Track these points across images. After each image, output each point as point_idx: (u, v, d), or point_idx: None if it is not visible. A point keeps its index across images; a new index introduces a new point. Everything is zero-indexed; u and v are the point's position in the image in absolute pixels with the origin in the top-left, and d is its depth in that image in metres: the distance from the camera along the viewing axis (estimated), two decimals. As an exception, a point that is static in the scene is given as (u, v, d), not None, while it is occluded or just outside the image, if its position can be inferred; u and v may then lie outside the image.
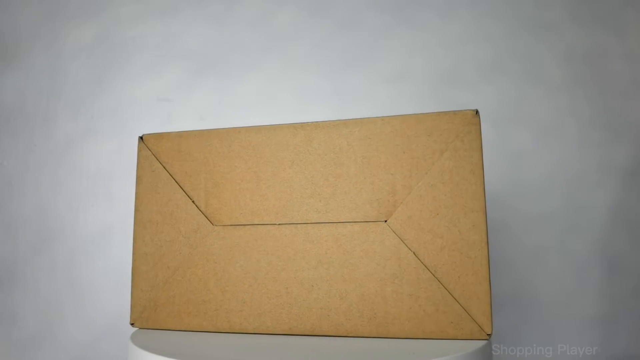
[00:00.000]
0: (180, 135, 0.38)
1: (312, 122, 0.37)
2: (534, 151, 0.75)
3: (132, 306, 0.38)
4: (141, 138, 0.39)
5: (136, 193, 0.39)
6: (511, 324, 0.70)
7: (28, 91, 0.64)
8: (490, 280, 0.34)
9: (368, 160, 0.35)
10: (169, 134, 0.38)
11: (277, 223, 0.36)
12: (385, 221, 0.35)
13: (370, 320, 0.35)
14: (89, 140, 0.64)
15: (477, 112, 0.34)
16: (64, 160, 0.63)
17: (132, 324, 0.38)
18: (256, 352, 0.33)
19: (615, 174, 0.76)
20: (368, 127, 0.36)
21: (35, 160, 0.63)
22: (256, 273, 0.36)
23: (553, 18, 0.81)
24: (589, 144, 0.77)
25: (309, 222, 0.36)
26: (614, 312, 0.73)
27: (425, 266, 0.34)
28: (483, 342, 0.35)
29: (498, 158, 0.74)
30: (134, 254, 0.39)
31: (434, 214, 0.34)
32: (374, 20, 0.76)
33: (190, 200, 0.38)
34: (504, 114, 0.76)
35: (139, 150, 0.39)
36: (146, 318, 0.38)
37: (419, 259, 0.34)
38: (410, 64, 0.75)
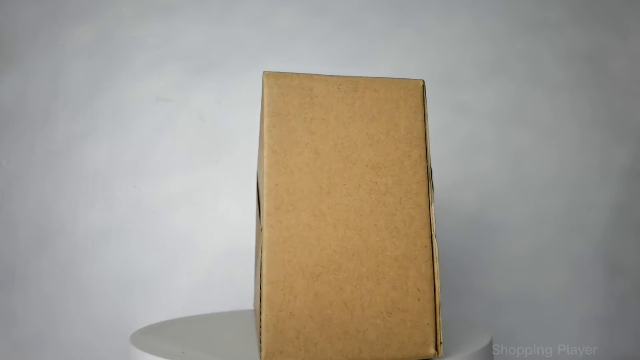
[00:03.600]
0: None
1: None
2: (534, 151, 0.75)
3: None
4: None
5: None
6: (511, 324, 0.70)
7: (28, 91, 0.64)
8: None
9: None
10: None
11: None
12: None
13: None
14: (89, 140, 0.64)
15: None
16: (64, 160, 0.63)
17: None
18: (256, 351, 0.33)
19: (616, 174, 0.76)
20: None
21: (35, 160, 0.62)
22: None
23: (554, 18, 0.81)
24: (590, 144, 0.77)
25: None
26: (614, 312, 0.73)
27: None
28: (484, 343, 0.35)
29: (498, 158, 0.74)
30: None
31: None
32: (374, 20, 0.76)
33: None
34: (505, 114, 0.76)
35: None
36: None
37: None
38: (411, 64, 0.75)
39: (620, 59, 0.81)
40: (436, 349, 0.28)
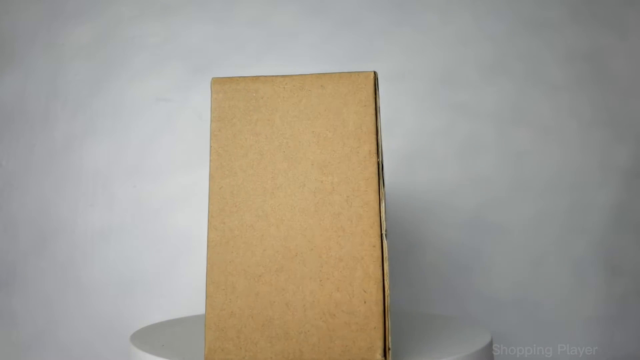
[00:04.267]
0: None
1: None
2: (534, 151, 0.75)
3: None
4: None
5: None
6: (511, 324, 0.70)
7: (28, 91, 0.64)
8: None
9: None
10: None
11: None
12: None
13: None
14: (89, 140, 0.64)
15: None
16: (64, 160, 0.63)
17: None
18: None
19: (616, 174, 0.76)
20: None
21: (35, 160, 0.62)
22: None
23: (554, 18, 0.81)
24: (590, 144, 0.77)
25: None
26: (614, 312, 0.73)
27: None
28: (484, 343, 0.35)
29: (498, 158, 0.74)
30: None
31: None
32: (374, 19, 0.76)
33: None
34: (505, 114, 0.76)
35: None
36: None
37: None
38: (411, 64, 0.75)
39: (620, 59, 0.81)
40: (384, 355, 0.27)
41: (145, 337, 0.38)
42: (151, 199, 0.64)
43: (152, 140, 0.65)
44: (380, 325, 0.27)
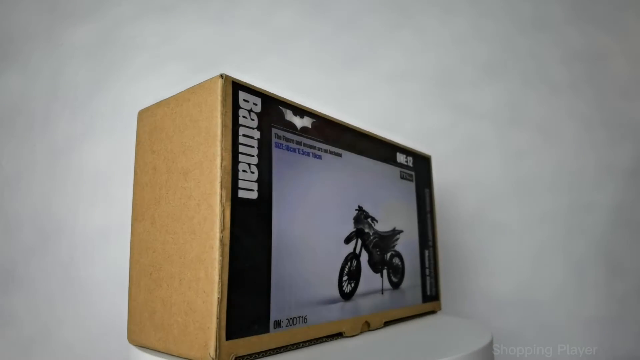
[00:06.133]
0: None
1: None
2: (534, 151, 0.75)
3: None
4: None
5: None
6: (511, 324, 0.70)
7: (28, 91, 0.64)
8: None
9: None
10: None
11: None
12: None
13: None
14: (88, 140, 0.64)
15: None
16: (64, 160, 0.63)
17: None
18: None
19: (615, 174, 0.76)
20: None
21: (35, 160, 0.62)
22: None
23: (554, 18, 0.81)
24: (590, 144, 0.77)
25: None
26: (614, 312, 0.73)
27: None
28: (484, 343, 0.35)
29: (498, 158, 0.74)
30: None
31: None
32: (374, 21, 0.76)
33: None
34: (504, 114, 0.76)
35: None
36: None
37: None
38: (411, 64, 0.75)
39: (620, 59, 0.81)
40: (216, 356, 0.27)
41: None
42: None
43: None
44: (214, 325, 0.27)
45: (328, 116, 0.39)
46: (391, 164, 0.46)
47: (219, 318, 0.27)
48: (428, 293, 0.51)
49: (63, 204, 0.62)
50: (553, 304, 0.71)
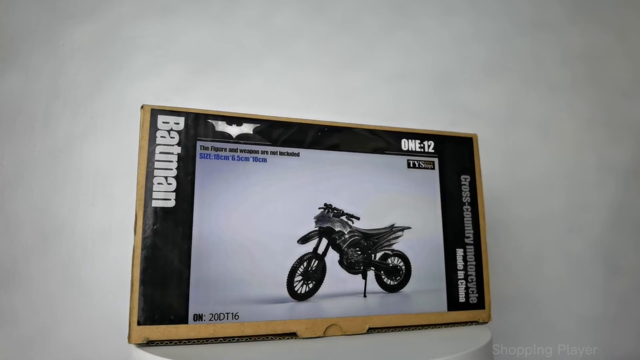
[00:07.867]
0: None
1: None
2: (533, 151, 0.75)
3: None
4: None
5: None
6: (511, 324, 0.70)
7: (28, 91, 0.64)
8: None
9: None
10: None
11: None
12: None
13: None
14: (89, 140, 0.64)
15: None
16: (64, 160, 0.63)
17: None
18: (260, 355, 0.33)
19: (615, 174, 0.76)
20: None
21: (35, 160, 0.62)
22: None
23: (554, 18, 0.81)
24: (589, 143, 0.77)
25: None
26: (614, 312, 0.73)
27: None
28: (484, 343, 0.35)
29: (497, 158, 0.74)
30: None
31: None
32: (373, 21, 0.76)
33: None
34: (504, 114, 0.76)
35: None
36: None
37: None
38: (411, 64, 0.75)
39: (620, 59, 0.81)
40: (129, 336, 0.33)
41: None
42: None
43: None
44: (130, 313, 0.34)
45: (280, 118, 0.40)
46: (388, 154, 0.43)
47: (131, 307, 0.33)
48: (461, 300, 0.44)
49: (63, 204, 0.62)
50: (553, 304, 0.71)
